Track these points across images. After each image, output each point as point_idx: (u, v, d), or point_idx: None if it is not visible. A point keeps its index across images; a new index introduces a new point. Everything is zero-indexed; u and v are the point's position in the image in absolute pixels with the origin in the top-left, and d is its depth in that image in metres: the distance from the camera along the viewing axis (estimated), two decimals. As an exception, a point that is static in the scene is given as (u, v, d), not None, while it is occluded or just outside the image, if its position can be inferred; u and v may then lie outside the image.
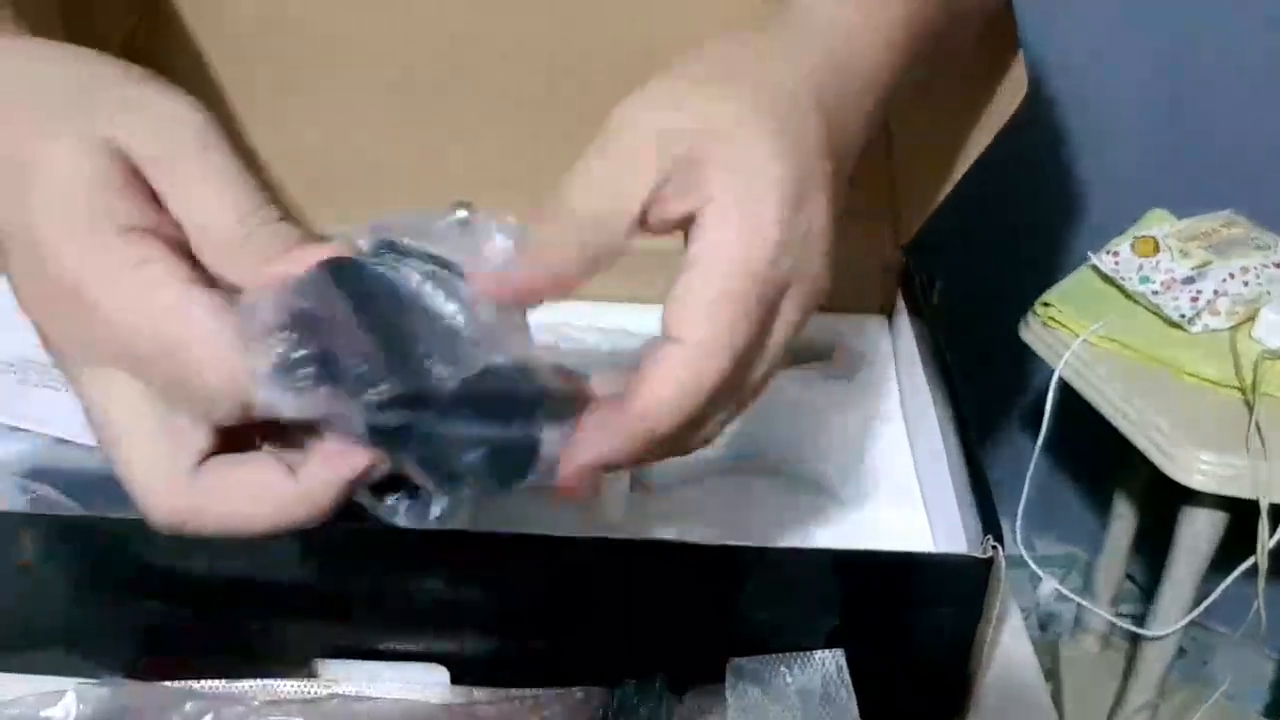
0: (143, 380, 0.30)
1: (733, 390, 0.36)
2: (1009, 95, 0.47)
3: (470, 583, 0.39)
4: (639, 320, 0.53)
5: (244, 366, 0.29)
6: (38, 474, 0.43)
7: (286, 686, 0.41)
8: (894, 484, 0.48)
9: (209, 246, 0.31)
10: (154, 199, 0.31)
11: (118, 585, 0.40)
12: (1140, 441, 0.89)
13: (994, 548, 0.38)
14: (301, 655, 0.41)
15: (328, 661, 0.41)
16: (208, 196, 0.31)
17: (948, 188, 0.50)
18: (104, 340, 0.30)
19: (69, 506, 0.43)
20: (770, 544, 0.39)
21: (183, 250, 0.31)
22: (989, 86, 0.50)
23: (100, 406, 0.30)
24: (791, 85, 0.38)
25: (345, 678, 0.41)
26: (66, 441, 0.47)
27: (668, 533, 0.48)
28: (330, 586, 0.39)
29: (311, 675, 0.41)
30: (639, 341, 0.45)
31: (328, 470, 0.30)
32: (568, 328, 0.54)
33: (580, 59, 0.56)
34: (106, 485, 0.43)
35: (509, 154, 0.55)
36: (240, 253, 0.31)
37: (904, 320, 0.54)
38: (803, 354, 0.53)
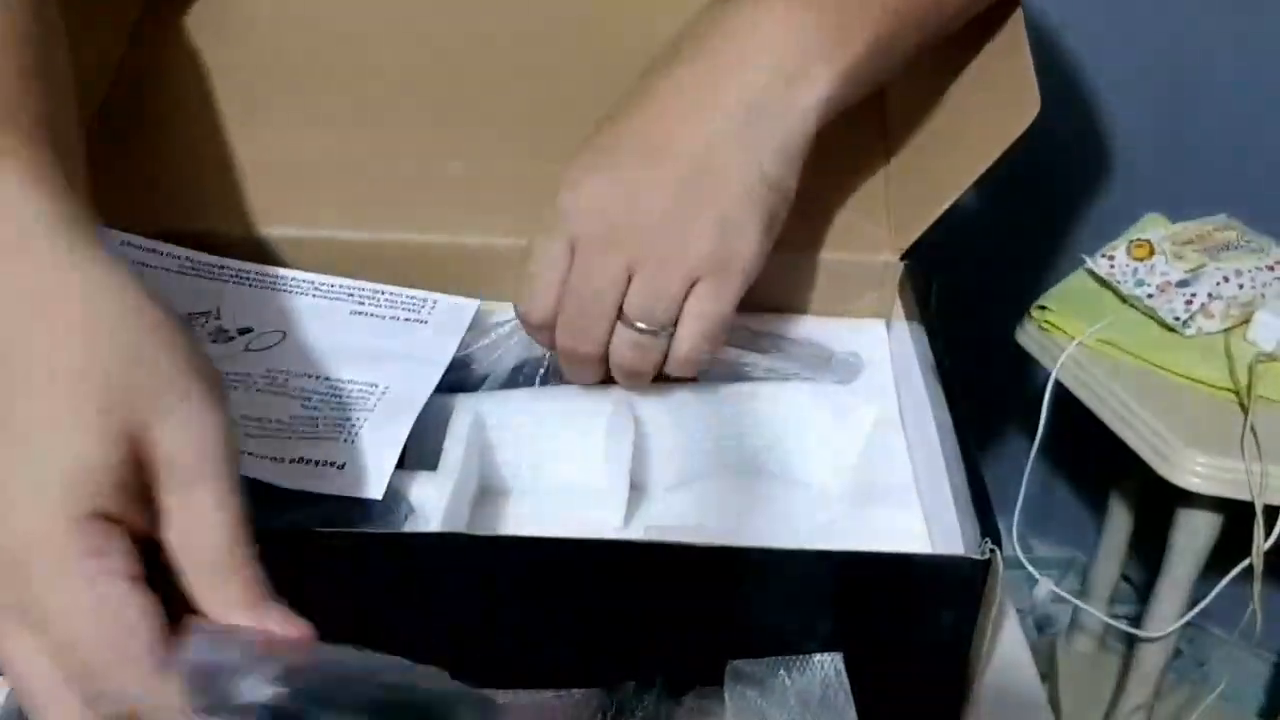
0: (58, 659, 0.29)
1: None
2: (1019, 115, 0.47)
3: (466, 584, 0.39)
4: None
5: (157, 680, 0.29)
6: None
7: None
8: (891, 487, 0.49)
9: (195, 564, 0.31)
10: (141, 492, 0.30)
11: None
12: (1136, 444, 0.89)
13: (992, 549, 0.38)
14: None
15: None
16: (213, 518, 0.31)
17: (951, 198, 0.51)
18: (35, 609, 0.29)
19: None
20: (767, 546, 0.39)
21: (136, 544, 0.30)
22: (999, 101, 0.50)
23: (19, 666, 0.29)
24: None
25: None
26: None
27: (665, 535, 0.48)
28: (330, 589, 0.40)
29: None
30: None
31: None
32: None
33: (584, 71, 0.57)
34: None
35: (510, 163, 0.56)
36: (222, 581, 0.31)
37: (901, 325, 0.54)
38: (800, 358, 0.53)
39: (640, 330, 0.45)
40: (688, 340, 0.46)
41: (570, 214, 0.45)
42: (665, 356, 0.46)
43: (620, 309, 0.45)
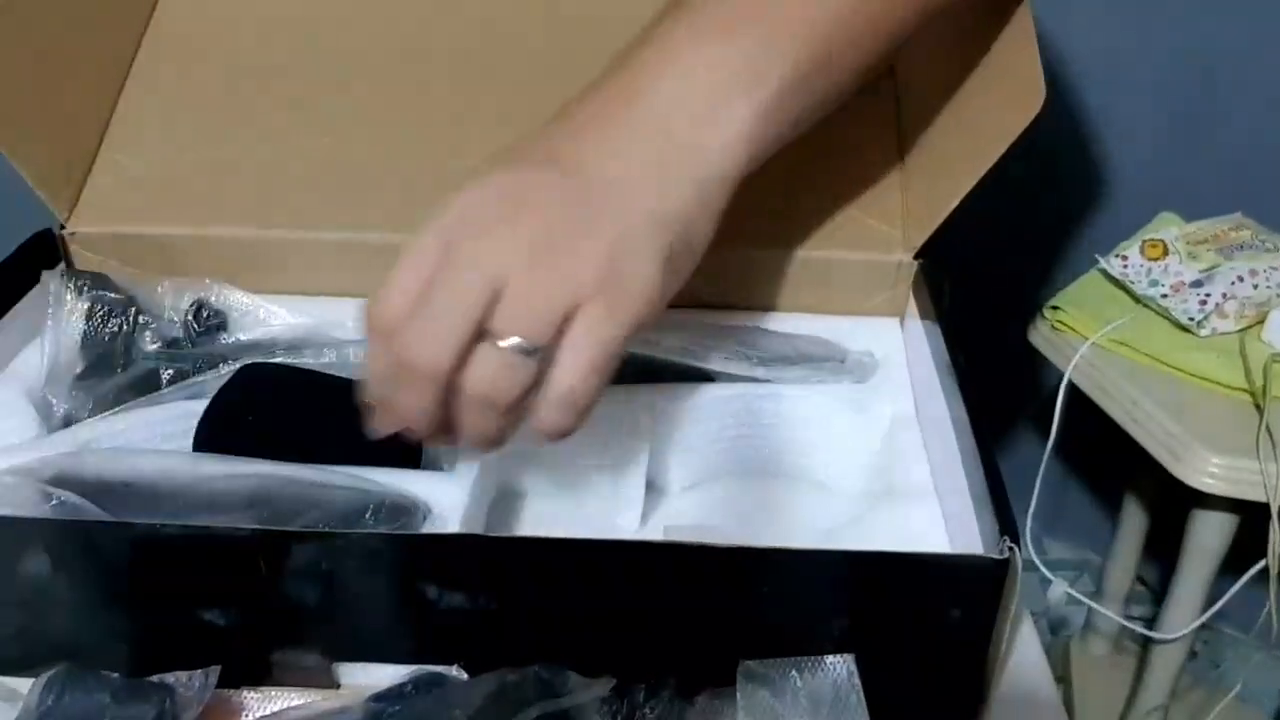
0: None
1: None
2: (1025, 108, 0.47)
3: (483, 585, 0.40)
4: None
5: None
6: (60, 480, 0.44)
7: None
8: (908, 486, 0.48)
9: None
10: None
11: (136, 592, 0.40)
12: (1150, 445, 0.89)
13: (1010, 548, 0.38)
14: (320, 660, 0.41)
15: (346, 665, 0.42)
16: None
17: (961, 194, 0.51)
18: None
19: (92, 513, 0.43)
20: (784, 546, 0.39)
21: None
22: (1005, 97, 0.50)
23: None
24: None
25: (364, 680, 0.41)
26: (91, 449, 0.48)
27: (682, 535, 0.48)
28: (347, 592, 0.40)
29: (330, 679, 0.42)
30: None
31: None
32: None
33: (590, 70, 0.57)
34: (131, 492, 0.44)
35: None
36: None
37: (916, 323, 0.54)
38: (815, 357, 0.53)
39: (508, 348, 0.39)
40: (570, 372, 0.39)
41: (449, 209, 0.40)
42: (529, 392, 0.40)
43: (484, 328, 0.39)
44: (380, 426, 0.42)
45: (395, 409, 0.41)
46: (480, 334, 0.39)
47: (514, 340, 0.39)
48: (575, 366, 0.39)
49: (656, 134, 0.41)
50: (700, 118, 0.42)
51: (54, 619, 0.41)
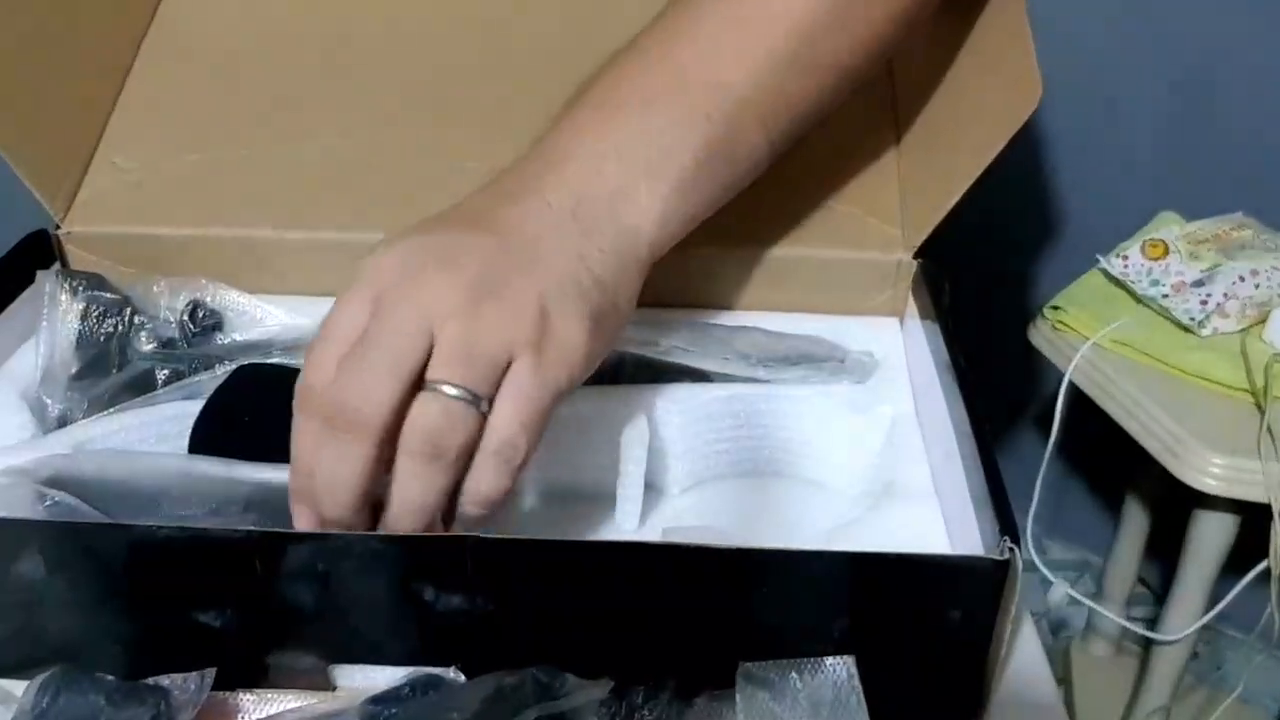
0: None
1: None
2: (1023, 101, 0.47)
3: (480, 586, 0.39)
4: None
5: None
6: (56, 481, 0.43)
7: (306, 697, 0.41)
8: (908, 487, 0.48)
9: None
10: None
11: (132, 594, 0.40)
12: (1151, 445, 0.88)
13: (1011, 549, 0.38)
14: (317, 662, 0.41)
15: (343, 667, 0.41)
16: None
17: (960, 191, 0.50)
18: None
19: (88, 514, 0.43)
20: (783, 547, 0.39)
21: None
22: (1002, 91, 0.50)
23: None
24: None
25: (362, 682, 0.41)
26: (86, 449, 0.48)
27: (680, 536, 0.48)
28: (344, 594, 0.39)
29: (327, 681, 0.42)
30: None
31: None
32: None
33: (586, 73, 0.56)
34: (126, 493, 0.44)
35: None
36: None
37: (915, 323, 0.54)
38: (815, 357, 0.53)
39: (449, 395, 0.38)
40: (508, 423, 0.38)
41: (373, 269, 0.39)
42: (473, 444, 0.39)
43: (423, 377, 0.38)
44: (300, 525, 0.40)
45: (320, 493, 0.39)
46: (417, 384, 0.38)
47: (455, 389, 0.38)
48: (513, 417, 0.39)
49: (571, 208, 0.42)
50: (612, 196, 0.43)
51: (49, 622, 0.41)
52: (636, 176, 0.43)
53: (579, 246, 0.42)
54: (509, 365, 0.39)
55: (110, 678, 0.39)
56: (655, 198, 0.43)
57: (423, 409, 0.38)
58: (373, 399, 0.37)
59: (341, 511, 0.39)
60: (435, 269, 0.39)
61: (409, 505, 0.39)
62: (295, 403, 0.39)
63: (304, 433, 0.39)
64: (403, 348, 0.38)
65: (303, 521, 0.40)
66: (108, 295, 0.54)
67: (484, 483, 0.39)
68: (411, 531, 0.39)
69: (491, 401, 0.39)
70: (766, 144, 0.47)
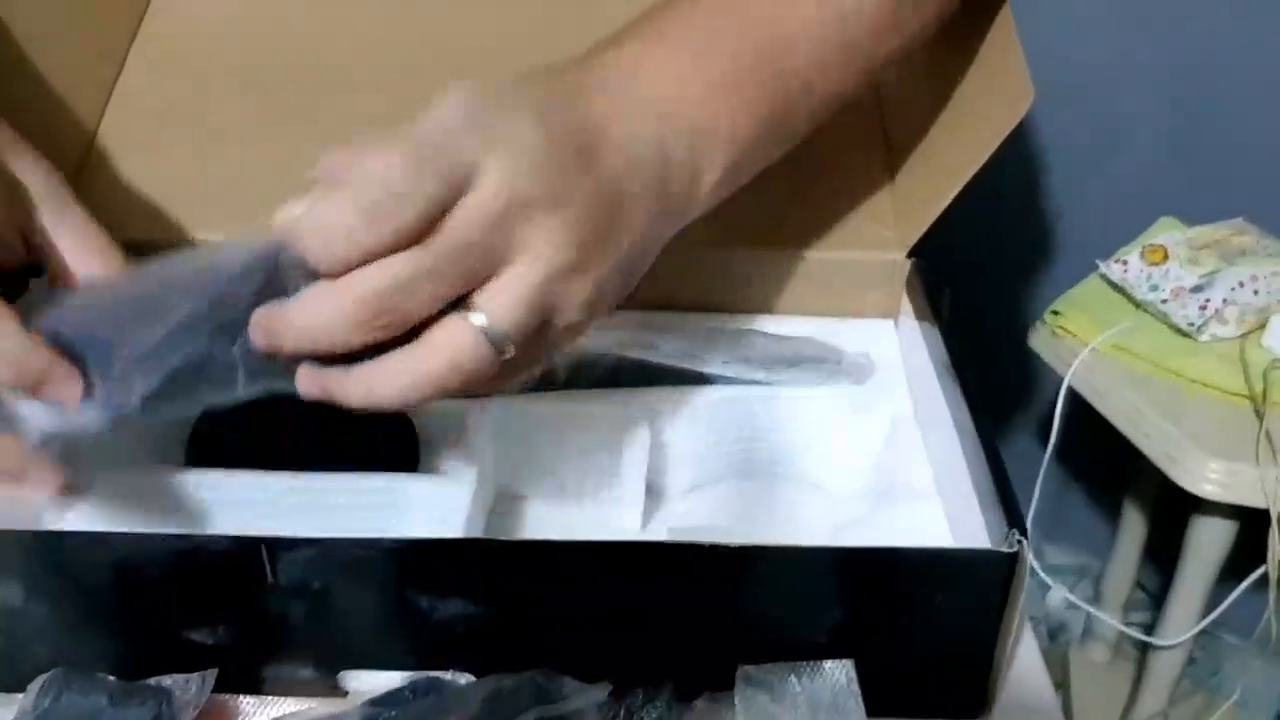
0: None
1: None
2: (1014, 102, 0.47)
3: (482, 588, 0.39)
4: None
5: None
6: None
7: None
8: (910, 486, 0.48)
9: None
10: None
11: (127, 607, 0.40)
12: (1150, 450, 0.89)
13: (1019, 541, 0.38)
14: (326, 667, 0.41)
15: (351, 672, 0.41)
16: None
17: (953, 191, 0.51)
18: None
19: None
20: (788, 543, 0.39)
21: None
22: (994, 93, 0.50)
23: None
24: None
25: (369, 686, 0.41)
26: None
27: (684, 538, 0.48)
28: (350, 599, 0.40)
29: (336, 686, 0.42)
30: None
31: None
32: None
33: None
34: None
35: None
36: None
37: (911, 324, 0.54)
38: (813, 358, 0.53)
39: (482, 334, 0.36)
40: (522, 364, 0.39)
41: (470, 149, 0.36)
42: (486, 375, 0.38)
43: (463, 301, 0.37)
44: (272, 340, 0.37)
45: (306, 337, 0.37)
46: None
47: (497, 330, 0.37)
48: (528, 363, 0.40)
49: (660, 157, 0.41)
50: (691, 156, 0.42)
51: (41, 634, 0.41)
52: (712, 144, 0.42)
53: (652, 217, 0.41)
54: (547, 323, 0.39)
55: (111, 678, 0.39)
56: (719, 169, 0.43)
57: (454, 336, 0.37)
58: (416, 314, 0.36)
59: (306, 353, 0.37)
60: (540, 207, 0.37)
61: (390, 393, 0.37)
62: (311, 239, 0.36)
63: (336, 238, 0.36)
64: (474, 272, 0.36)
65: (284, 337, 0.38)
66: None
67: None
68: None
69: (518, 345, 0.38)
70: (808, 127, 0.47)
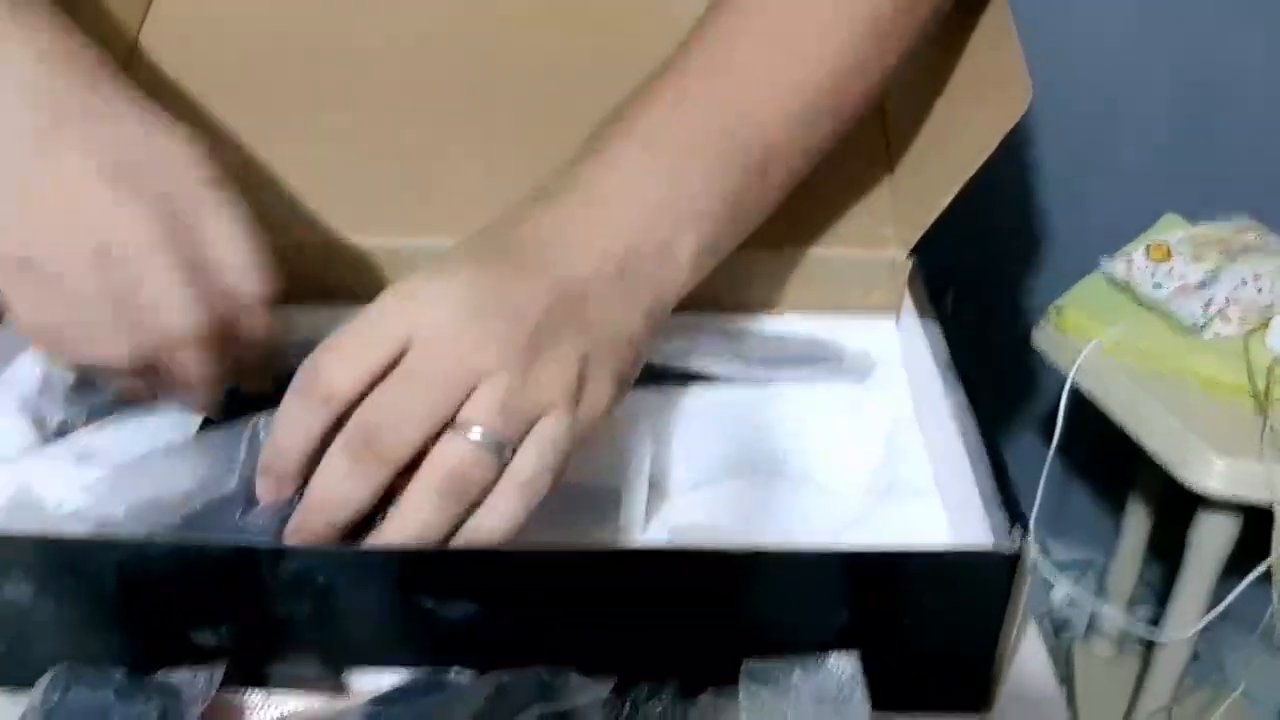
0: None
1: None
2: (1014, 99, 0.47)
3: (487, 590, 0.40)
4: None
5: None
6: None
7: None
8: (911, 484, 0.48)
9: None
10: None
11: (131, 611, 0.40)
12: (1153, 447, 0.89)
13: (1023, 539, 0.38)
14: (331, 665, 0.41)
15: (356, 671, 0.42)
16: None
17: (954, 189, 0.51)
18: None
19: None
20: (790, 545, 0.39)
21: None
22: (994, 91, 0.50)
23: None
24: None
25: (373, 684, 0.41)
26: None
27: (686, 537, 0.48)
28: (356, 600, 0.40)
29: (340, 686, 0.42)
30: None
31: None
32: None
33: (598, 78, 0.57)
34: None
35: (529, 171, 0.56)
36: None
37: (912, 321, 0.54)
38: (813, 357, 0.53)
39: (478, 441, 0.38)
40: (534, 463, 0.39)
41: (429, 292, 0.39)
42: (491, 485, 0.40)
43: (450, 420, 0.39)
44: (274, 496, 0.40)
45: (314, 505, 0.39)
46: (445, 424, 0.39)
47: (487, 435, 0.38)
48: (539, 462, 0.40)
49: (623, 259, 0.43)
50: (659, 251, 0.43)
51: (48, 632, 0.41)
52: (680, 230, 0.44)
53: (624, 310, 0.42)
54: (539, 417, 0.40)
55: (119, 673, 0.39)
56: (692, 252, 0.44)
57: (452, 449, 0.39)
58: (404, 435, 0.38)
59: (330, 529, 0.39)
60: (493, 317, 0.39)
61: (414, 530, 0.39)
62: (297, 386, 0.39)
63: (301, 425, 0.39)
64: (448, 392, 0.38)
65: (268, 494, 0.40)
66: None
67: (499, 517, 0.40)
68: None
69: (515, 448, 0.40)
70: (784, 193, 0.49)
